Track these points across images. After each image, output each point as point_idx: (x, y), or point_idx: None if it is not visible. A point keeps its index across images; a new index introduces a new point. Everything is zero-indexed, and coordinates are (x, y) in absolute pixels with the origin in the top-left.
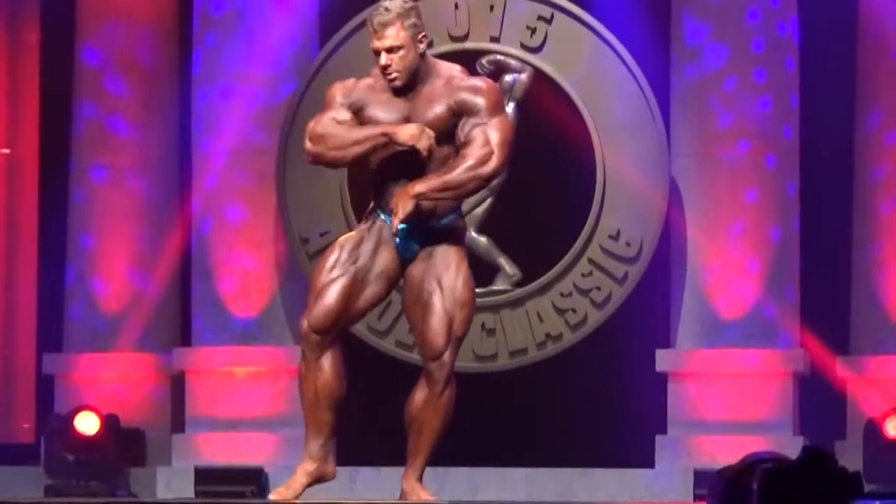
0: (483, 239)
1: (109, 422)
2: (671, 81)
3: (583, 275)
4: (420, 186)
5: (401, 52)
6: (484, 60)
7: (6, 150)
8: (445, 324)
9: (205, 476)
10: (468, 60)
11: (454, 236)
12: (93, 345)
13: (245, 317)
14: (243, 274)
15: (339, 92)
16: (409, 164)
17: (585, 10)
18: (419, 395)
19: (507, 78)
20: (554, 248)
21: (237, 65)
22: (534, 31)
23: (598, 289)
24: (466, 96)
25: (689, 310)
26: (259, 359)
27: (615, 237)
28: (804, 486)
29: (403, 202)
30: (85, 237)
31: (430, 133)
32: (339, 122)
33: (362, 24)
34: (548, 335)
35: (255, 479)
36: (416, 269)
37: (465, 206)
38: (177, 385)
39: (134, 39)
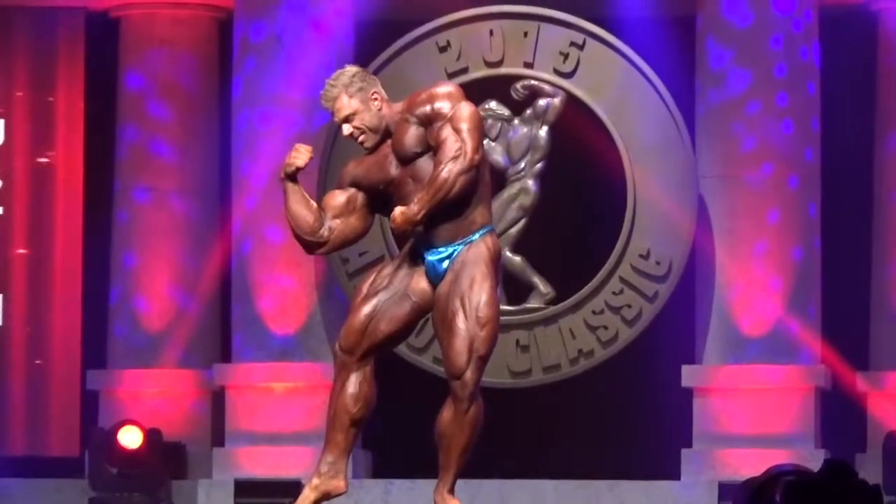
0: (517, 258)
1: (152, 436)
2: (696, 105)
3: (614, 293)
4: (416, 207)
5: (357, 118)
6: (518, 85)
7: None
8: (467, 343)
9: (244, 489)
10: (502, 85)
11: (481, 254)
12: (136, 361)
13: (283, 334)
14: (282, 292)
15: (341, 178)
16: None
17: (616, 37)
18: (446, 412)
19: (541, 102)
20: (586, 267)
21: (276, 89)
22: (566, 56)
23: (629, 306)
24: (423, 108)
25: (714, 327)
26: (297, 375)
27: (645, 256)
28: (826, 498)
29: (409, 226)
30: (128, 257)
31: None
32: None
33: (397, 53)
34: (580, 351)
35: (293, 492)
36: (443, 288)
37: (501, 225)
38: (217, 400)
39: (175, 65)
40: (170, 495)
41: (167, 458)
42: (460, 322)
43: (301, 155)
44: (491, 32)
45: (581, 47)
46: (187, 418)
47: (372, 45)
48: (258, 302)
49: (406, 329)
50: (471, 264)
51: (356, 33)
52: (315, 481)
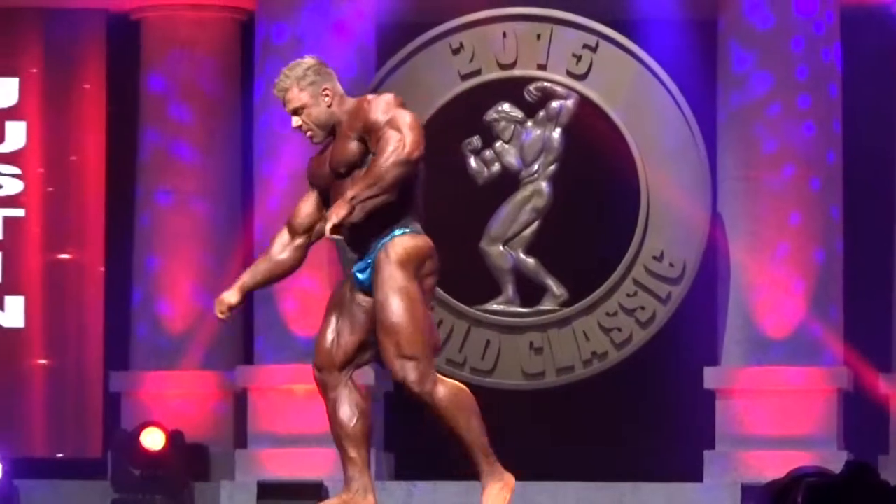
0: (531, 260)
1: (174, 437)
2: (717, 108)
3: (628, 295)
4: (350, 192)
5: (306, 111)
6: (531, 87)
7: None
8: (393, 351)
9: (267, 490)
10: (516, 87)
11: (389, 258)
12: (158, 363)
13: (305, 336)
14: (303, 294)
15: (306, 174)
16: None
17: (632, 39)
18: (427, 414)
19: (554, 104)
20: (599, 269)
21: None
22: (579, 58)
23: (643, 308)
24: (361, 122)
25: (735, 329)
26: None
27: (659, 258)
28: (848, 500)
29: (338, 208)
30: (150, 259)
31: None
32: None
33: (410, 55)
34: (594, 353)
35: (315, 493)
36: (376, 296)
37: (515, 227)
38: (239, 402)
39: (197, 67)
40: (192, 497)
41: (190, 460)
42: (381, 334)
43: (223, 312)
44: (504, 34)
45: (594, 49)
46: (210, 420)
47: (393, 46)
48: (280, 304)
49: (371, 335)
50: (381, 270)
51: (377, 35)
52: (344, 496)
